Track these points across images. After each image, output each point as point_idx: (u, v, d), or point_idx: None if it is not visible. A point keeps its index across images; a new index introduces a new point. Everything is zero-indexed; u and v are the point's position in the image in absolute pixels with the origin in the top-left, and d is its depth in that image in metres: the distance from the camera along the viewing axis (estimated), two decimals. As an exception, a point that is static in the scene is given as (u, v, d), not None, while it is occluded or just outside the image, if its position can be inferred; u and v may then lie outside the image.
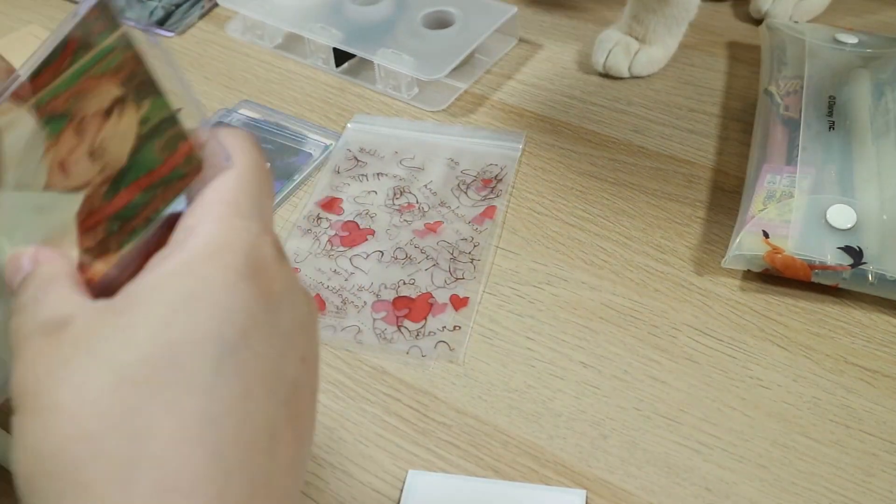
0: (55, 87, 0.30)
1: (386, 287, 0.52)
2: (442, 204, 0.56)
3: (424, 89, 0.65)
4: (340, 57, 0.67)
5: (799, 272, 0.48)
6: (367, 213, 0.56)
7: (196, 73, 0.69)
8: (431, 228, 0.55)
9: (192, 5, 0.76)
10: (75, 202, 0.29)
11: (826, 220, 0.48)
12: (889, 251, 0.47)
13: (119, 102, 0.30)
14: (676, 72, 0.65)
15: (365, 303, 0.51)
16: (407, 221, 0.55)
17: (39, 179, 0.30)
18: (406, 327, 0.50)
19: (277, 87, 0.67)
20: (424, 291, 0.51)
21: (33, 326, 0.27)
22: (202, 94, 0.67)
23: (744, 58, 0.66)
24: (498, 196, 0.56)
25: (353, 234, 0.55)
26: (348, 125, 0.63)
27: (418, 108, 0.64)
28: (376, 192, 0.58)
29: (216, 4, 0.76)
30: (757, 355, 0.47)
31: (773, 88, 0.57)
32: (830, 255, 0.47)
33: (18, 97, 0.31)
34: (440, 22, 0.68)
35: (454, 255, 0.53)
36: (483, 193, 0.57)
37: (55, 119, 0.30)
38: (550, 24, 0.71)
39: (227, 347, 0.25)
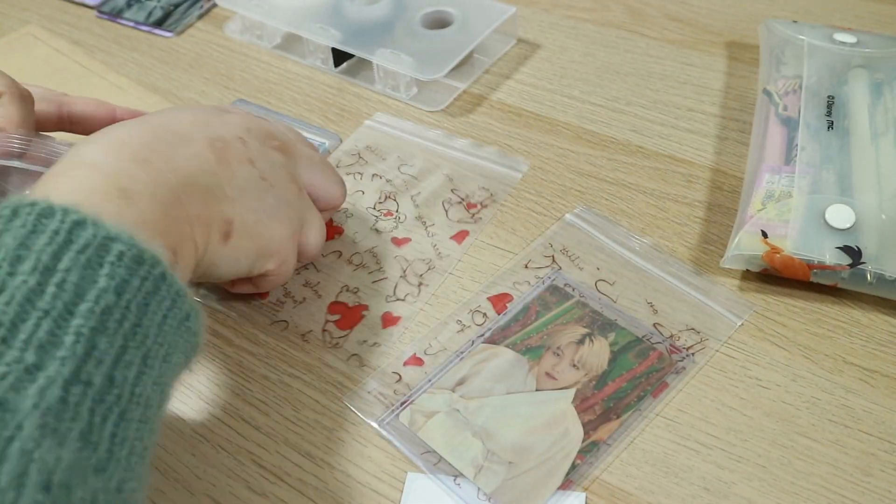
0: (526, 332, 0.48)
1: (328, 288, 0.52)
2: (419, 218, 0.55)
3: (423, 89, 0.65)
4: (339, 57, 0.67)
5: (798, 272, 0.48)
6: (344, 212, 0.56)
7: (195, 73, 0.69)
8: (397, 242, 0.54)
9: (191, 5, 0.76)
10: (568, 394, 0.45)
11: (825, 220, 0.48)
12: (888, 251, 0.47)
13: (588, 335, 0.47)
14: (675, 71, 0.65)
15: (304, 298, 0.51)
16: (378, 231, 0.55)
17: (530, 385, 0.45)
18: (329, 332, 0.50)
19: (276, 88, 0.67)
20: (362, 303, 0.51)
21: None
22: (201, 94, 0.67)
23: (742, 57, 0.66)
24: (476, 223, 0.55)
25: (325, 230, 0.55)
26: (366, 122, 0.63)
27: (417, 108, 0.64)
28: (363, 193, 0.58)
29: (215, 5, 0.76)
30: (756, 355, 0.47)
31: (771, 88, 0.57)
32: (829, 255, 0.47)
33: (493, 341, 0.48)
34: (439, 22, 0.68)
35: (405, 274, 0.52)
36: (462, 216, 0.55)
37: (532, 349, 0.47)
38: (549, 23, 0.71)
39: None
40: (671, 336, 0.47)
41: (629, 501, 0.42)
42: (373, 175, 0.59)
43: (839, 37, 0.58)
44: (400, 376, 0.47)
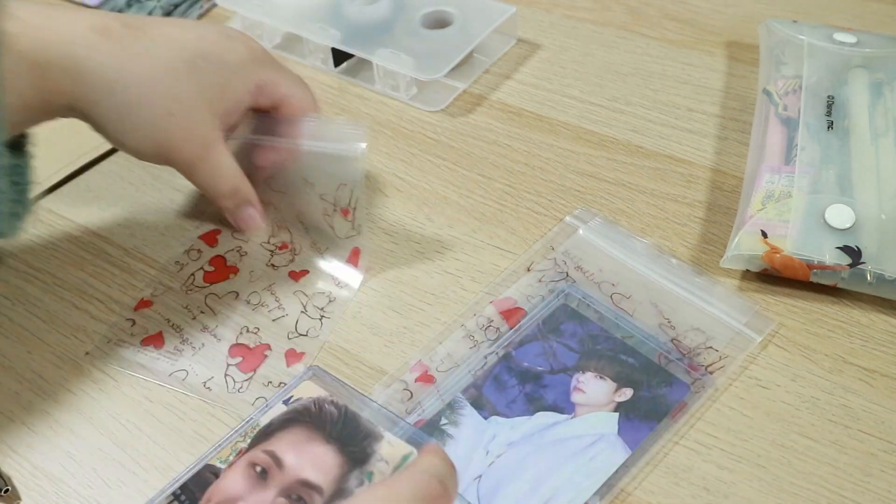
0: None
1: (227, 331, 0.50)
2: (314, 245, 0.53)
3: (423, 89, 0.65)
4: (339, 57, 0.67)
5: (797, 272, 0.48)
6: (238, 250, 0.54)
7: (195, 73, 0.69)
8: (294, 276, 0.53)
9: (191, 5, 0.76)
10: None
11: (825, 220, 0.48)
12: (887, 251, 0.47)
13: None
14: (675, 71, 0.65)
15: (203, 344, 0.50)
16: (274, 266, 0.53)
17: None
18: (231, 377, 0.48)
19: (276, 87, 0.67)
20: (263, 343, 0.49)
21: None
22: (201, 94, 0.67)
23: (742, 57, 0.66)
24: (360, 234, 0.52)
25: (218, 271, 0.53)
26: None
27: (417, 108, 0.64)
28: None
29: (215, 5, 0.76)
30: (756, 355, 0.47)
31: (771, 88, 0.57)
32: (829, 255, 0.47)
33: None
34: (439, 22, 0.68)
35: (306, 308, 0.51)
36: (345, 229, 0.52)
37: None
38: (549, 23, 0.71)
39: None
40: (689, 352, 0.46)
41: (629, 501, 0.42)
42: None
43: (839, 37, 0.58)
44: (411, 393, 0.46)
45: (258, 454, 0.38)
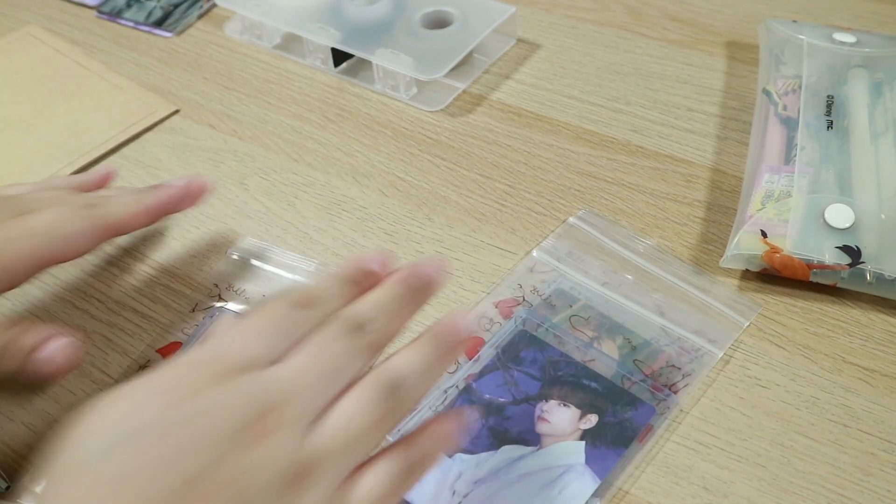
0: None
1: None
2: None
3: (423, 89, 0.65)
4: (339, 57, 0.67)
5: (797, 272, 0.48)
6: None
7: (194, 73, 0.69)
8: None
9: (191, 5, 0.76)
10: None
11: (824, 220, 0.48)
12: (887, 250, 0.47)
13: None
14: (675, 71, 0.65)
15: None
16: None
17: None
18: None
19: (276, 88, 0.67)
20: None
21: None
22: (200, 94, 0.67)
23: (742, 57, 0.66)
24: None
25: None
26: None
27: (417, 108, 0.64)
28: None
29: (214, 5, 0.76)
30: (755, 355, 0.47)
31: (771, 88, 0.57)
32: (829, 255, 0.47)
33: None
34: (439, 22, 0.68)
35: None
36: None
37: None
38: (549, 23, 0.71)
39: None
40: (679, 338, 0.47)
41: (628, 501, 0.42)
42: None
43: (839, 36, 0.58)
44: None
45: None
